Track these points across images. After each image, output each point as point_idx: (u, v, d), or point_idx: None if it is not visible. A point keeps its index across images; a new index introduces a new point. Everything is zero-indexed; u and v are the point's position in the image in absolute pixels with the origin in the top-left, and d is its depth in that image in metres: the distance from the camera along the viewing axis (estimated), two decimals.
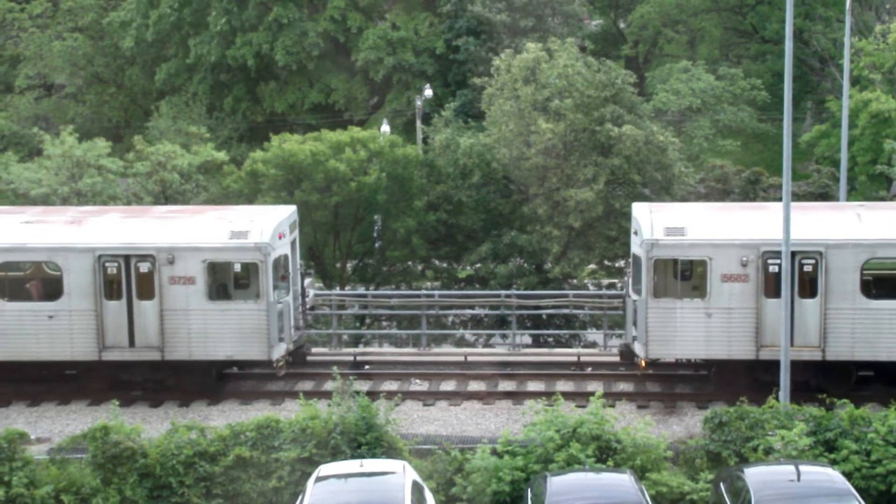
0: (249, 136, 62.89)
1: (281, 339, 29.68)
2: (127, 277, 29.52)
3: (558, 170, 41.93)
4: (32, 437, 27.18)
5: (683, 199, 41.63)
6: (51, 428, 28.69)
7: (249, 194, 42.61)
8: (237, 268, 30.74)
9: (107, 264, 29.50)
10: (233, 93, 63.89)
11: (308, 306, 32.43)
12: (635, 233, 29.63)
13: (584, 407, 25.35)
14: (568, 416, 24.15)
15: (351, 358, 32.93)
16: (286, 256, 30.58)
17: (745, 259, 28.45)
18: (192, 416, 28.05)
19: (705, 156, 50.68)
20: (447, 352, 35.62)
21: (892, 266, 30.66)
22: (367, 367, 32.42)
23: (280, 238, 29.90)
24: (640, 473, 23.04)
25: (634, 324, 29.37)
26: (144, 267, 29.41)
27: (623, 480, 21.00)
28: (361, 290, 43.18)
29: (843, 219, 29.33)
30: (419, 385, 31.15)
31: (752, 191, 43.51)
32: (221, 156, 46.41)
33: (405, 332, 40.39)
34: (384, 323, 43.92)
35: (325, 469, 21.78)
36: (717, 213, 31.06)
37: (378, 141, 44.09)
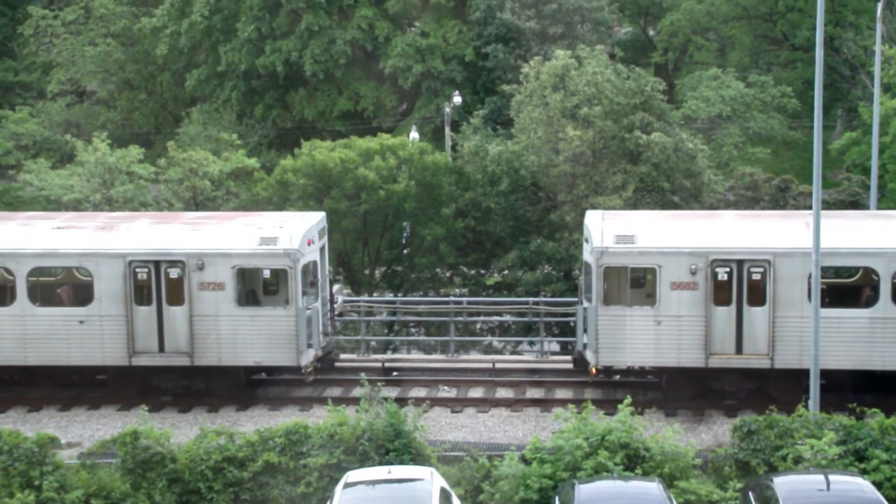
0: (279, 143, 63.16)
1: (309, 346, 29.74)
2: (157, 283, 29.65)
3: (587, 177, 41.86)
4: (63, 441, 27.30)
5: (713, 207, 41.48)
6: (81, 433, 28.83)
7: (279, 202, 42.75)
8: (266, 274, 30.85)
9: (137, 270, 29.66)
10: (263, 100, 64.15)
11: (337, 312, 32.48)
12: (586, 240, 29.61)
13: (612, 415, 25.26)
14: (596, 423, 24.06)
15: (379, 364, 32.93)
16: (315, 263, 30.65)
17: (694, 267, 28.40)
18: (221, 422, 28.12)
19: (735, 163, 50.51)
20: (475, 358, 35.56)
21: (840, 274, 30.48)
22: (395, 373, 32.42)
23: (309, 244, 29.98)
24: (669, 481, 22.93)
25: (585, 331, 29.38)
26: (174, 273, 29.55)
27: (651, 488, 20.92)
28: (390, 297, 43.23)
29: (792, 227, 29.22)
30: (447, 392, 31.12)
31: (782, 198, 43.25)
32: (252, 162, 46.61)
33: (433, 338, 40.43)
34: (412, 329, 43.97)
35: (353, 475, 21.79)
36: (667, 221, 30.90)
37: (407, 148, 44.17)
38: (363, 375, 26.82)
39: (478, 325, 42.90)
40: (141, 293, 29.75)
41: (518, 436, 27.87)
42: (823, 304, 28.63)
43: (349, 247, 44.66)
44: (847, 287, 30.47)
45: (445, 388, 31.37)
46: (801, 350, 28.18)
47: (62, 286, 31.53)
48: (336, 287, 32.66)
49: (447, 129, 57.68)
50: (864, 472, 22.68)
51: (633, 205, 40.63)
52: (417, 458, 23.91)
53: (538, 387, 31.23)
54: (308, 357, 29.75)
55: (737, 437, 24.40)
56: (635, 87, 42.65)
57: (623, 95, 42.08)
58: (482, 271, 45.79)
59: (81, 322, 29.81)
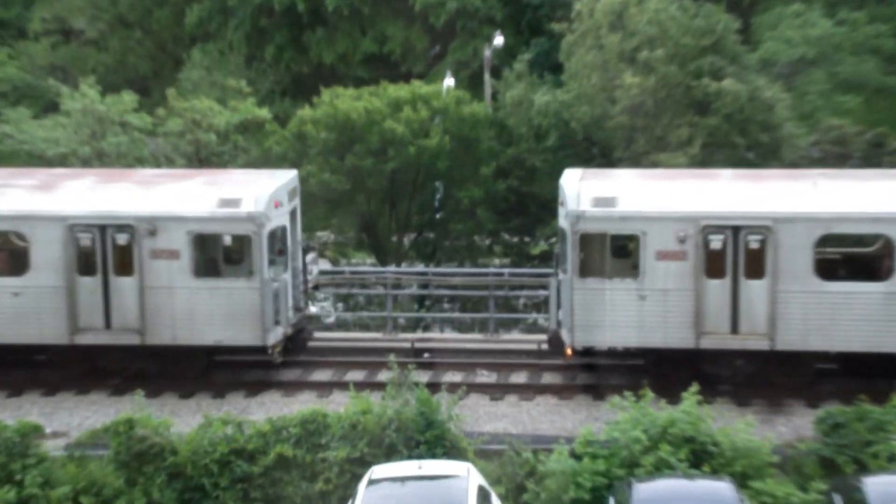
0: (294, 90, 63.27)
1: (277, 323, 29.79)
2: (103, 250, 29.64)
3: (647, 131, 41.81)
4: (48, 430, 27.59)
5: (794, 165, 41.29)
6: (68, 421, 29.08)
7: (295, 158, 42.85)
8: (227, 240, 31.02)
9: (80, 235, 29.61)
10: (274, 41, 64.21)
11: (311, 285, 32.53)
12: (562, 203, 29.45)
13: (675, 403, 25.27)
14: (657, 413, 24.08)
15: (408, 345, 33.12)
16: (284, 228, 30.67)
17: (682, 234, 28.26)
18: (228, 409, 28.32)
19: (820, 114, 50.18)
20: (518, 339, 35.69)
21: (852, 243, 30.23)
22: (426, 355, 32.59)
23: (277, 207, 29.94)
24: (741, 481, 22.93)
25: (560, 306, 29.36)
26: (122, 239, 29.52)
27: (721, 489, 20.92)
28: (420, 268, 43.35)
29: (797, 189, 28.96)
30: (486, 376, 31.25)
31: (876, 155, 43.04)
32: (263, 113, 46.79)
33: (470, 315, 40.54)
34: (446, 305, 44.14)
35: (378, 471, 21.91)
36: (655, 181, 30.70)
37: (441, 97, 44.17)
38: (391, 357, 26.94)
39: (521, 301, 42.97)
40: (84, 262, 29.71)
41: (567, 427, 27.98)
42: (832, 277, 28.51)
43: (374, 210, 44.81)
44: (862, 257, 30.19)
45: (484, 372, 31.51)
46: (806, 330, 28.05)
47: None
48: (310, 256, 32.68)
49: (487, 76, 57.53)
50: None
51: (701, 162, 40.55)
52: (452, 451, 24.02)
53: (589, 371, 31.28)
54: (276, 335, 29.79)
55: (820, 431, 24.41)
56: (705, 26, 42.52)
57: (690, 36, 41.94)
58: (526, 239, 45.87)
59: (16, 294, 29.84)
